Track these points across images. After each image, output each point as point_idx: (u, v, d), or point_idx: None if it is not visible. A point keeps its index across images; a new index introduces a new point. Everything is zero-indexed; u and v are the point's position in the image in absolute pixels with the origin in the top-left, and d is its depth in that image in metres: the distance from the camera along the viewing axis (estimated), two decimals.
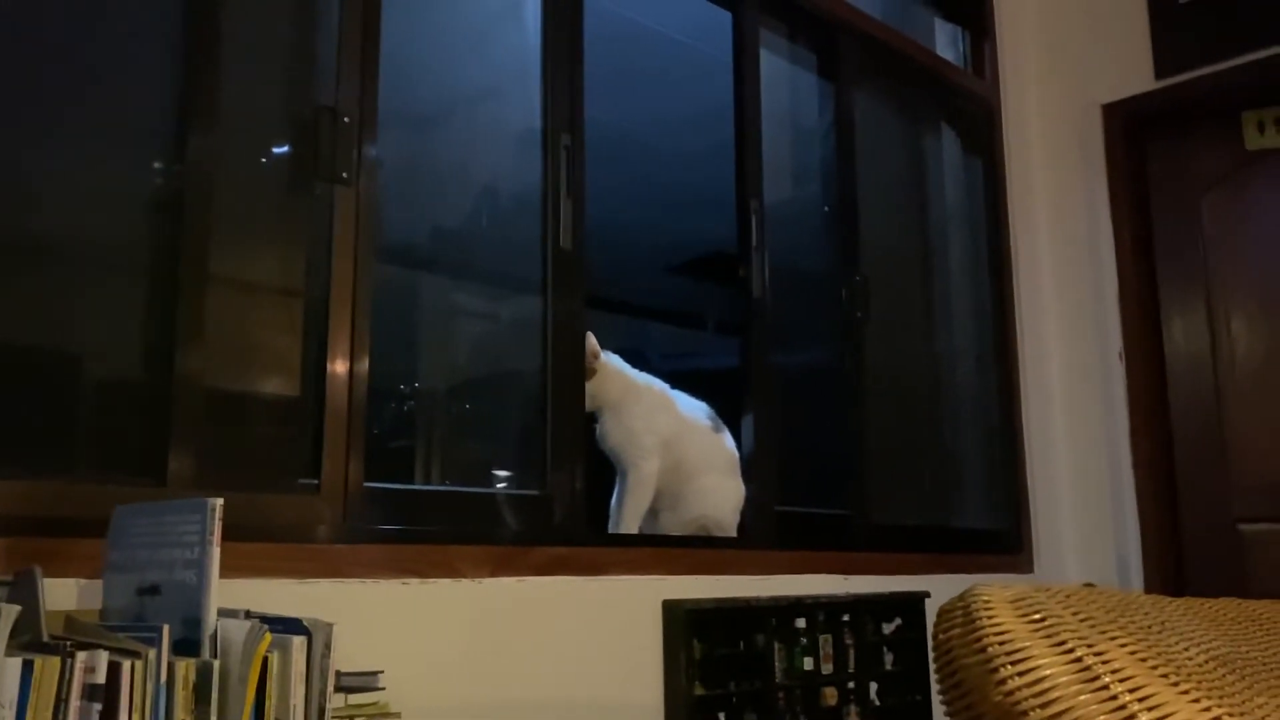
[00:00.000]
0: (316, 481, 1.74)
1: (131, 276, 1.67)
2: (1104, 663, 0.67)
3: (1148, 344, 3.42)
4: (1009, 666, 0.69)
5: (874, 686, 2.48)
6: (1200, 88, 3.35)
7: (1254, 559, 3.17)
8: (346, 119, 1.86)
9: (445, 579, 1.83)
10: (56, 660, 1.09)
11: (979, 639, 0.71)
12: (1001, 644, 0.70)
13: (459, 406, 2.28)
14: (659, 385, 2.43)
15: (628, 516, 2.29)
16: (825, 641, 2.39)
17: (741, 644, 2.24)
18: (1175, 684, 0.66)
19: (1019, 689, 0.68)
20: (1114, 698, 0.66)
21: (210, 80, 1.73)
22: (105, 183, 1.65)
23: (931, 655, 0.76)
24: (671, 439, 2.38)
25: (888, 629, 2.56)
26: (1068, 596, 0.76)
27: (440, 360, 2.33)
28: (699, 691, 2.13)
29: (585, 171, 2.23)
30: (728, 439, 2.49)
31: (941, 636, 0.77)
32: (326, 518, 1.74)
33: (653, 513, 2.35)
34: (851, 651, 2.45)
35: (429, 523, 1.90)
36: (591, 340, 2.23)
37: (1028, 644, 0.69)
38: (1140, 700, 0.65)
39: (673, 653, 2.11)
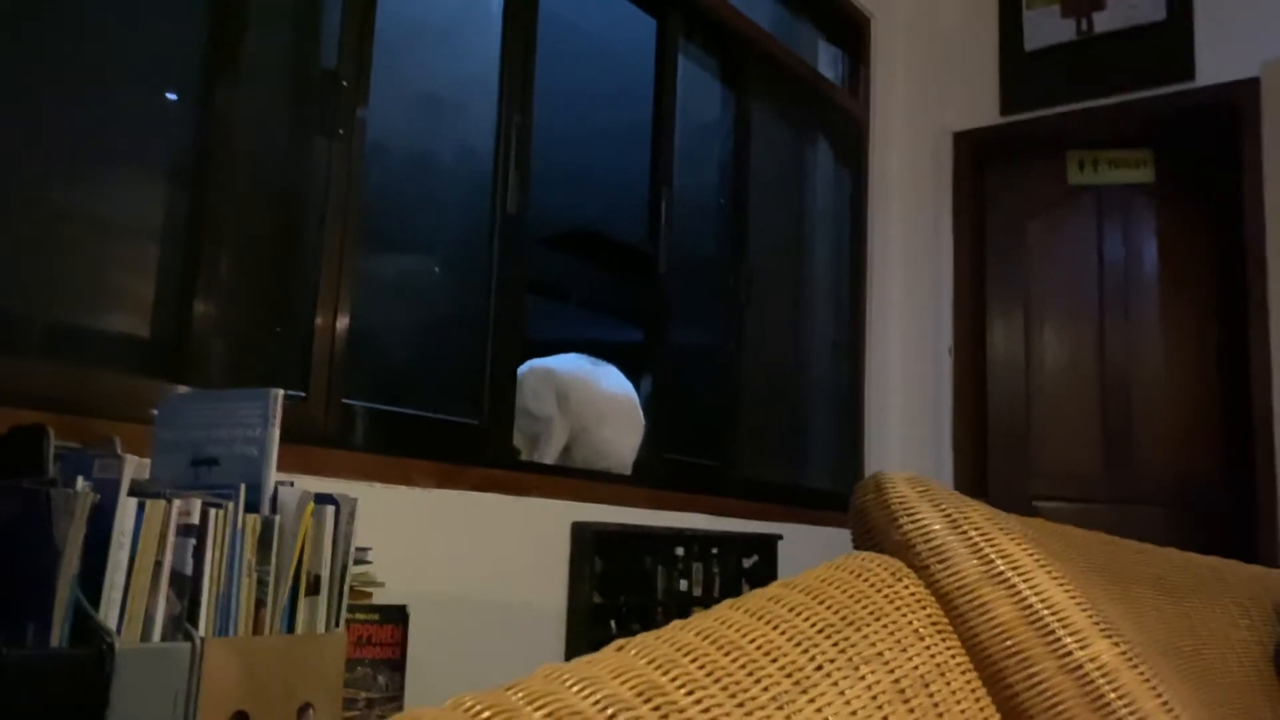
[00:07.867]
0: (304, 394, 2.04)
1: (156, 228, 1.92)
2: (965, 518, 1.07)
3: (974, 343, 3.99)
4: (904, 517, 1.08)
5: None
6: (1036, 126, 3.92)
7: None
8: (345, 83, 2.15)
9: (402, 485, 2.15)
10: (162, 502, 1.38)
11: (885, 500, 1.10)
12: (900, 503, 1.09)
13: (417, 348, 2.57)
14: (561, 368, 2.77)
15: (545, 453, 2.64)
16: (697, 569, 2.81)
17: (632, 564, 2.63)
18: (1009, 535, 1.08)
19: (910, 532, 1.07)
20: (969, 538, 1.05)
21: (234, 41, 1.99)
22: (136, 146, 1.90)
23: (850, 514, 1.16)
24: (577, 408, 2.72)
25: (747, 563, 3.00)
26: (941, 486, 1.18)
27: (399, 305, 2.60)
28: (597, 600, 2.51)
29: (532, 147, 2.57)
30: (614, 378, 2.83)
31: (859, 501, 1.16)
32: (311, 424, 2.03)
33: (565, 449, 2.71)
34: (717, 579, 2.87)
35: (391, 438, 2.21)
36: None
37: (917, 504, 1.08)
38: (987, 540, 1.05)
39: (578, 566, 2.48)
